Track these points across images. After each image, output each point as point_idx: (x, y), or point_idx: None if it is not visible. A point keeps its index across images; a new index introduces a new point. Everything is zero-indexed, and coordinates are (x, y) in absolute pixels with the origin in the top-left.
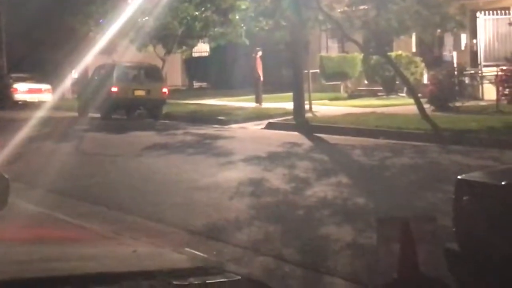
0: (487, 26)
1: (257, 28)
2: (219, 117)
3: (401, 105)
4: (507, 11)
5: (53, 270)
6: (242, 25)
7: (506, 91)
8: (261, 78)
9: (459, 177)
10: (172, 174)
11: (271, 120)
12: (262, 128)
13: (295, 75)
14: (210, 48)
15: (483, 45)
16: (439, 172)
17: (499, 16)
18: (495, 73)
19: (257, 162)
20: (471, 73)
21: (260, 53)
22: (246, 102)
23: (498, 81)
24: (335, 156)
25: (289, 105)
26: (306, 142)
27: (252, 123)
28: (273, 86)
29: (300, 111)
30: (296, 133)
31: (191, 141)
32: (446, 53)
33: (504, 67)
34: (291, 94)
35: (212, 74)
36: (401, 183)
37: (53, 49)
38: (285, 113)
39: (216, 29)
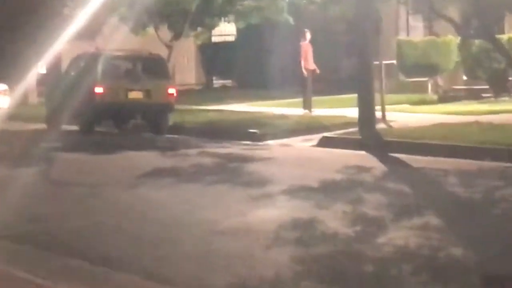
0: None
1: (305, 0)
2: (251, 130)
3: None
4: None
5: None
6: None
7: None
8: (312, 72)
9: None
10: (183, 213)
11: (326, 134)
12: (313, 146)
13: (361, 69)
14: (237, 30)
15: None
16: None
17: None
18: None
19: (306, 195)
20: None
21: (309, 37)
22: (289, 108)
23: None
24: (420, 186)
25: (353, 112)
26: (377, 166)
27: (299, 138)
28: (329, 84)
29: (368, 120)
30: (363, 152)
31: (209, 165)
32: None
33: None
34: (355, 96)
35: (239, 67)
36: None
37: (11, 33)
38: (347, 123)
39: (246, 2)
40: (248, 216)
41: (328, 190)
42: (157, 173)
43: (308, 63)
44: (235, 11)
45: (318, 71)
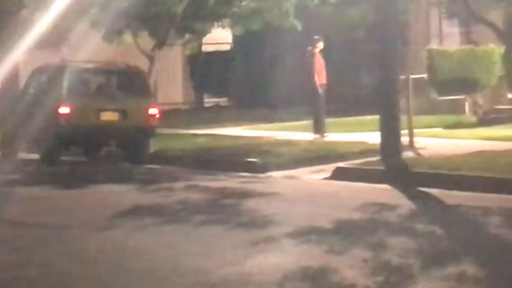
0: None
1: (316, 1)
2: (250, 159)
3: None
4: None
5: None
6: None
7: None
8: (319, 90)
9: None
10: (166, 261)
11: (341, 164)
12: (325, 178)
13: (384, 85)
14: (234, 37)
15: None
16: None
17: None
18: None
19: (317, 238)
20: None
21: (321, 46)
22: (297, 132)
23: None
24: (456, 228)
25: (374, 137)
26: (403, 203)
27: (309, 169)
28: (344, 103)
29: (393, 148)
30: (386, 186)
31: (199, 202)
32: None
33: None
34: (376, 118)
35: (236, 83)
36: None
37: None
38: (367, 151)
39: (244, 4)
40: (246, 264)
41: (344, 232)
42: (135, 212)
43: (321, 77)
44: (231, 15)
45: (324, 90)
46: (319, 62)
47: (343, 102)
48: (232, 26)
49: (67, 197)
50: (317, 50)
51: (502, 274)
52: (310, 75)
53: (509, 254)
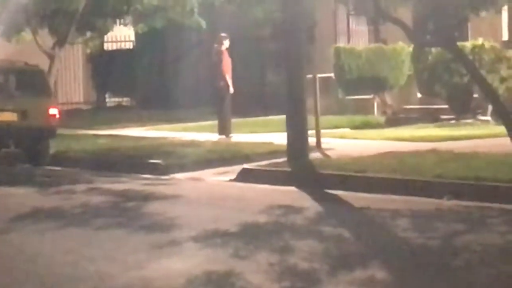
0: None
1: None
2: (153, 161)
3: (484, 137)
4: None
5: None
6: None
7: None
8: (231, 88)
9: None
10: (65, 266)
11: (247, 166)
12: (231, 180)
13: (290, 84)
14: (136, 35)
15: None
16: None
17: None
18: None
19: (222, 242)
20: None
21: (227, 44)
22: (202, 133)
23: None
24: (363, 231)
25: (280, 138)
26: (310, 205)
27: (214, 170)
28: (250, 103)
29: (299, 149)
30: (292, 188)
31: (101, 205)
32: None
33: None
34: (283, 117)
35: (139, 82)
36: (482, 280)
37: None
38: (273, 152)
39: (146, 0)
40: (148, 269)
41: (249, 235)
42: (34, 216)
43: (226, 76)
44: (133, 12)
45: (232, 89)
46: (226, 61)
47: (249, 102)
48: (134, 24)
49: None
50: (223, 48)
51: (410, 277)
52: (220, 73)
53: (416, 256)
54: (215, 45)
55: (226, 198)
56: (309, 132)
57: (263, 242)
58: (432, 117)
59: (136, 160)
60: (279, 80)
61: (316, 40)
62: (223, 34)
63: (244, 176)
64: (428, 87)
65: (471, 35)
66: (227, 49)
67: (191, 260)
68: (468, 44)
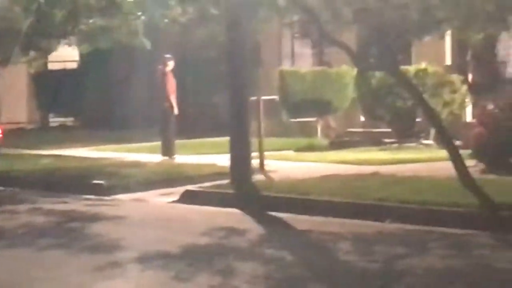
0: None
1: (167, 20)
2: (95, 181)
3: (426, 161)
4: None
5: None
6: (140, 13)
7: None
8: (175, 110)
9: None
10: (8, 287)
11: (190, 187)
12: (174, 202)
13: (234, 106)
14: (81, 55)
15: None
16: (494, 286)
17: None
18: None
19: (163, 263)
20: None
21: (172, 65)
22: (145, 154)
23: None
24: (305, 254)
25: (224, 160)
26: (252, 228)
27: (157, 191)
28: (195, 124)
29: (243, 170)
30: (235, 210)
31: (42, 225)
32: (508, 69)
33: None
34: (227, 139)
35: (83, 102)
36: None
37: None
38: (216, 174)
39: (92, 21)
40: None
41: (191, 257)
42: None
43: (170, 97)
44: (78, 32)
45: (176, 110)
46: (170, 82)
47: (194, 123)
48: (79, 44)
49: None
50: (168, 70)
51: None
52: (164, 95)
53: (359, 280)
54: (159, 67)
55: (169, 219)
56: (253, 154)
57: (205, 264)
58: (375, 141)
59: (79, 180)
60: (224, 102)
61: (260, 63)
62: (167, 56)
63: (187, 198)
64: (371, 111)
65: (415, 59)
66: (171, 70)
67: (133, 282)
68: (411, 68)
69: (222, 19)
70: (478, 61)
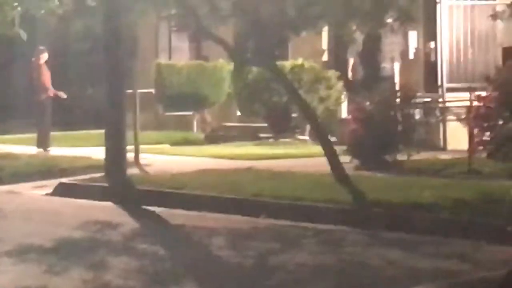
0: (456, 19)
1: (43, 11)
2: None
3: (301, 156)
4: None
5: None
6: (16, 3)
7: (486, 136)
8: (49, 101)
9: None
10: None
11: (64, 180)
12: (47, 194)
13: (110, 99)
14: None
15: (448, 52)
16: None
17: (476, 2)
18: (467, 103)
19: (36, 257)
20: (425, 103)
21: (45, 57)
22: (19, 146)
23: (472, 118)
24: (178, 248)
25: (99, 153)
26: (126, 221)
27: (30, 184)
28: (70, 116)
29: (117, 164)
30: (109, 204)
31: None
32: (383, 65)
33: (483, 93)
34: (102, 132)
35: None
36: None
37: None
38: (91, 167)
39: None
40: None
41: (64, 251)
42: None
43: (45, 88)
44: None
45: (64, 95)
46: (45, 74)
47: (69, 115)
48: None
49: None
50: (41, 62)
51: None
52: (39, 87)
53: (230, 275)
54: (33, 59)
55: (42, 212)
56: (128, 147)
57: (78, 258)
58: (251, 136)
59: None
60: (101, 94)
61: (137, 56)
62: (41, 47)
63: (61, 191)
64: (248, 106)
65: (292, 55)
66: (45, 62)
67: (4, 276)
68: (287, 64)
69: (99, 11)
70: (359, 58)
